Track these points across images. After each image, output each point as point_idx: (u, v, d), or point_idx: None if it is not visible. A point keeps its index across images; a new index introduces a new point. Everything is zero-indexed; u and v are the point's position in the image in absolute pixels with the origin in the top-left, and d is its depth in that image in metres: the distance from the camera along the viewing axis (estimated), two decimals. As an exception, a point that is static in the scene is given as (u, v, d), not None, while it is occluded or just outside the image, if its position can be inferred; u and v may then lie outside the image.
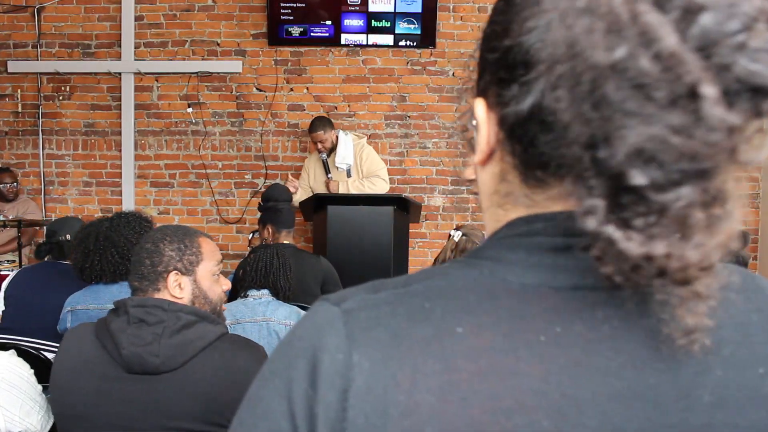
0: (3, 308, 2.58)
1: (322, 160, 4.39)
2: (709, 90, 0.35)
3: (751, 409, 0.42)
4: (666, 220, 0.37)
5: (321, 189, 4.39)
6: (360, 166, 4.44)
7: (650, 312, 0.41)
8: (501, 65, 0.45)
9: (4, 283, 2.63)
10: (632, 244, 0.38)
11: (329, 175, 4.36)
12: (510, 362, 0.41)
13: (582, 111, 0.37)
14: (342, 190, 4.32)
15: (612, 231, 0.38)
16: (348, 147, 4.41)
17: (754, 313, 0.45)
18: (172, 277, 1.54)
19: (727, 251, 0.38)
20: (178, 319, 1.46)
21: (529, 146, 0.44)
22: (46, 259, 2.83)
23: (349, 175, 4.38)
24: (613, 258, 0.39)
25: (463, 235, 2.38)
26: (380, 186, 4.40)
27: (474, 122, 0.50)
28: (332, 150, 4.42)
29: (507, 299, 0.44)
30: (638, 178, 0.36)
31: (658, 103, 0.35)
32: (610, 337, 0.42)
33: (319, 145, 4.37)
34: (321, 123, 4.41)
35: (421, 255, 4.85)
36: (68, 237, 2.74)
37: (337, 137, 4.42)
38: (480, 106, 0.49)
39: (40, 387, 1.51)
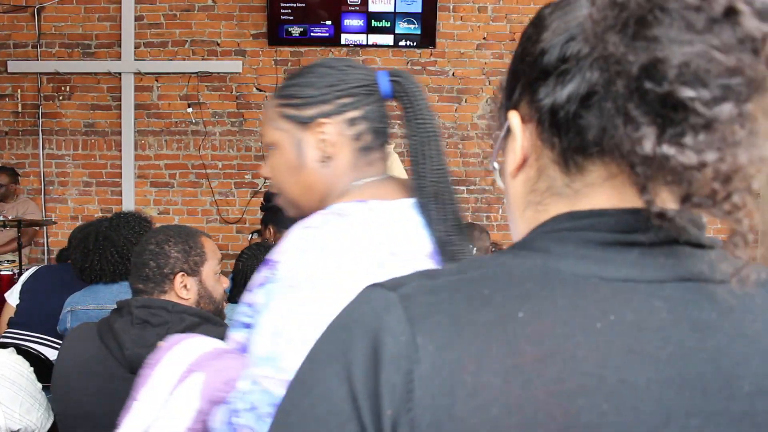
0: (18, 302, 2.57)
1: None
2: (744, 7, 0.40)
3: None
4: (712, 133, 0.41)
5: None
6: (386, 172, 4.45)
7: (695, 303, 0.45)
8: (535, 68, 0.51)
9: (23, 278, 2.62)
10: (686, 157, 0.41)
11: None
12: (570, 347, 0.43)
13: (628, 49, 0.42)
14: None
15: (666, 149, 0.41)
16: None
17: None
18: (179, 279, 1.55)
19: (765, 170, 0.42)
20: (182, 321, 1.46)
21: (569, 131, 0.48)
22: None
23: None
24: (670, 181, 0.43)
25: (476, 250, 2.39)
26: None
27: (502, 134, 0.56)
28: None
29: (561, 288, 0.46)
30: (687, 92, 0.40)
31: (698, 27, 0.40)
32: (660, 327, 0.44)
33: None
34: None
35: (421, 255, 4.85)
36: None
37: None
38: (515, 117, 0.53)
39: (39, 385, 1.51)
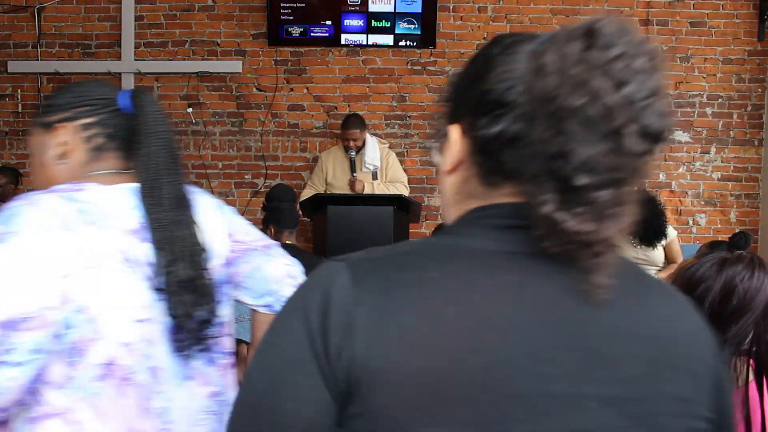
0: None
1: (350, 158, 4.39)
2: (628, 130, 0.56)
3: (633, 343, 0.61)
4: (593, 209, 0.57)
5: (342, 186, 4.40)
6: (385, 170, 4.47)
7: (568, 273, 0.60)
8: (477, 102, 0.65)
9: None
10: (572, 224, 0.57)
11: (355, 174, 4.36)
12: (468, 297, 0.60)
13: (548, 136, 0.57)
14: (368, 191, 4.33)
15: (560, 215, 0.57)
16: (376, 150, 4.44)
17: (633, 281, 0.66)
18: None
19: (624, 234, 0.60)
20: None
21: (492, 159, 0.65)
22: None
23: (375, 177, 4.39)
24: (554, 234, 0.58)
25: None
26: (403, 193, 4.42)
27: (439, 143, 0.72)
28: (358, 151, 4.43)
29: (469, 257, 0.63)
30: (582, 180, 0.57)
31: (598, 135, 0.56)
32: (543, 285, 0.61)
33: (351, 143, 4.37)
34: (358, 121, 4.46)
35: (421, 255, 4.85)
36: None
37: (364, 139, 4.44)
38: (455, 130, 0.68)
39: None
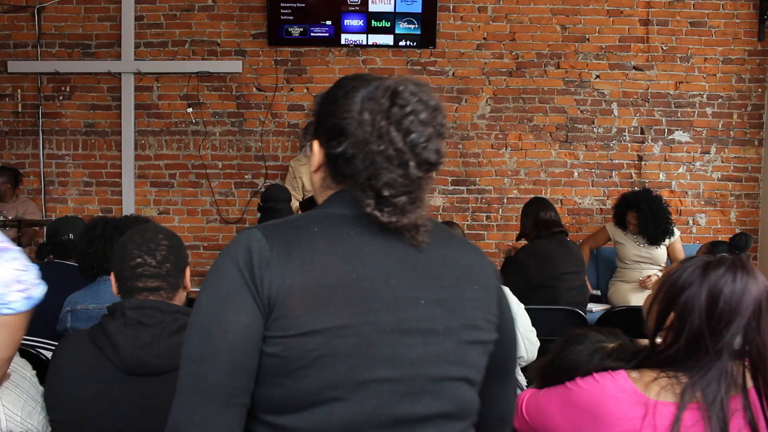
0: None
1: None
2: (411, 163, 0.90)
3: (445, 267, 0.98)
4: (396, 209, 0.92)
5: None
6: None
7: (401, 234, 0.95)
8: (328, 129, 1.00)
9: None
10: (384, 217, 0.92)
11: None
12: (343, 241, 0.94)
13: (365, 165, 0.91)
14: None
15: (377, 213, 0.92)
16: None
17: (442, 236, 1.02)
18: (188, 272, 1.59)
19: (422, 220, 0.94)
20: (175, 320, 1.46)
21: (337, 168, 1.00)
22: (46, 260, 2.81)
23: None
24: (376, 221, 0.93)
25: None
26: None
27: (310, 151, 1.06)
28: None
29: (336, 218, 0.97)
30: (386, 192, 0.91)
31: (394, 166, 0.90)
32: (385, 234, 0.95)
33: None
34: None
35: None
36: (71, 236, 2.70)
37: None
38: (316, 144, 1.03)
39: (41, 388, 1.51)
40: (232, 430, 0.88)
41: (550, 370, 1.41)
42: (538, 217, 3.53)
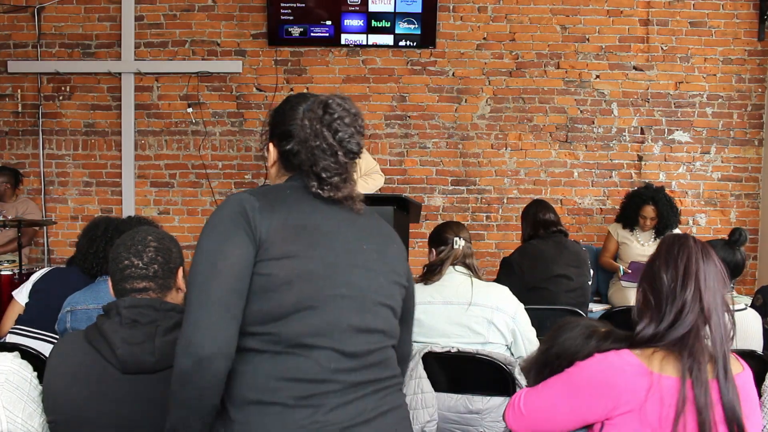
0: (27, 300, 2.57)
1: None
2: (340, 153, 1.27)
3: (375, 232, 1.36)
4: (332, 186, 1.28)
5: None
6: (359, 164, 4.45)
7: (341, 204, 1.31)
8: (280, 134, 1.37)
9: (34, 276, 2.63)
10: (324, 193, 1.28)
11: None
12: (306, 203, 1.29)
13: (307, 156, 1.28)
14: None
15: (320, 191, 1.28)
16: None
17: (372, 214, 1.39)
18: (181, 273, 1.60)
19: (355, 193, 1.32)
20: (170, 318, 1.47)
21: (287, 160, 1.36)
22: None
23: None
24: (320, 197, 1.30)
25: (465, 242, 2.39)
26: (379, 181, 4.45)
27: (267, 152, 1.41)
28: None
29: (296, 188, 1.30)
30: (324, 174, 1.27)
31: (327, 155, 1.27)
32: (335, 205, 1.30)
33: None
34: None
35: (421, 255, 4.85)
36: None
37: None
38: (271, 145, 1.39)
39: (41, 388, 1.51)
40: (230, 335, 1.15)
41: (548, 359, 1.45)
42: (536, 218, 3.53)
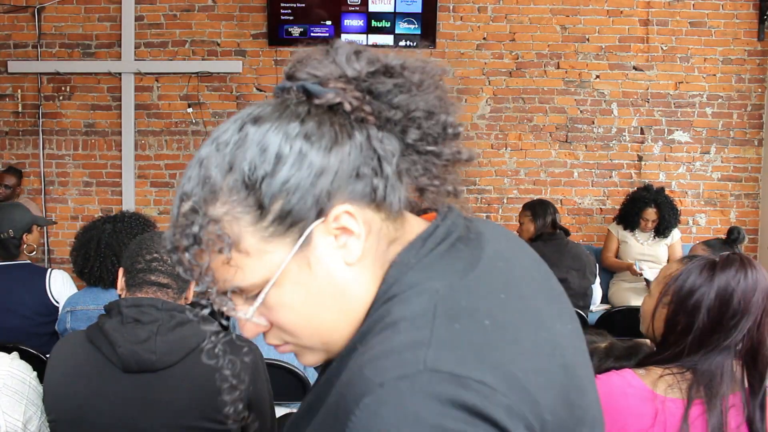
0: None
1: None
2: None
3: None
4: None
5: None
6: None
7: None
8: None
9: None
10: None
11: None
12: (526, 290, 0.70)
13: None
14: None
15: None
16: None
17: None
18: (193, 286, 1.58)
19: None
20: (172, 318, 1.47)
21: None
22: None
23: None
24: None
25: None
26: None
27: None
28: None
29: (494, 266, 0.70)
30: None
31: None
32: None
33: None
34: None
35: (421, 255, 4.85)
36: (11, 233, 2.57)
37: None
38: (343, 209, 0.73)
39: (41, 390, 1.51)
40: None
41: None
42: (554, 218, 3.57)
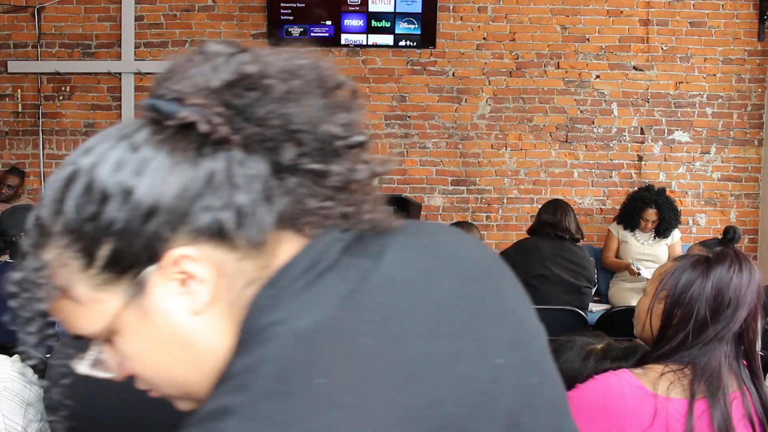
0: None
1: None
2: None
3: None
4: None
5: None
6: None
7: None
8: None
9: None
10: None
11: None
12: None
13: None
14: None
15: None
16: None
17: None
18: None
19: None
20: None
21: None
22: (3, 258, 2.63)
23: None
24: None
25: None
26: None
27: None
28: None
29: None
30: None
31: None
32: None
33: None
34: None
35: (421, 255, 4.84)
36: (23, 236, 2.56)
37: None
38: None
39: (41, 391, 1.51)
40: None
41: None
42: (541, 218, 3.56)
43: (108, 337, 0.55)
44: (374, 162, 0.58)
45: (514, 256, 3.40)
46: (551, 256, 3.36)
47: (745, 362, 1.24)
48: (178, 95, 0.52)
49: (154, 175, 0.50)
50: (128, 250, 0.50)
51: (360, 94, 0.59)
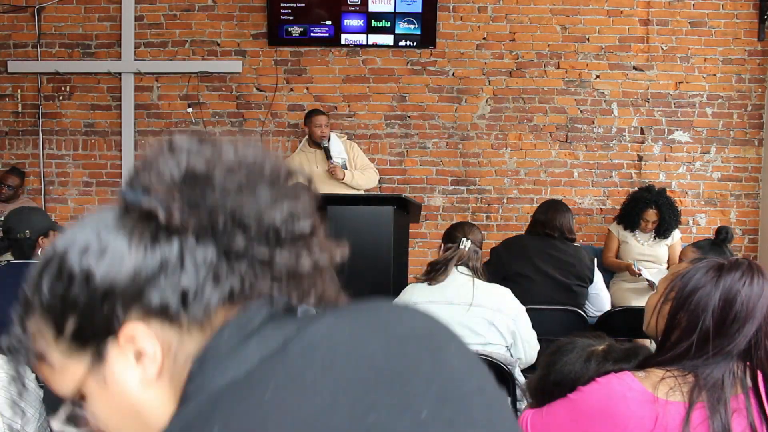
0: None
1: (324, 147, 4.35)
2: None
3: None
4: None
5: (316, 181, 4.38)
6: (353, 160, 4.48)
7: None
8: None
9: None
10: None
11: (333, 161, 4.33)
12: None
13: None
14: (347, 179, 4.34)
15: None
16: (339, 143, 4.46)
17: None
18: None
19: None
20: None
21: None
22: (5, 261, 2.64)
23: (345, 168, 4.41)
24: None
25: (472, 244, 2.39)
26: (374, 177, 4.55)
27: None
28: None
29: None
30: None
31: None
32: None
33: (322, 130, 4.35)
34: (322, 110, 4.56)
35: (421, 255, 4.85)
36: (28, 234, 2.59)
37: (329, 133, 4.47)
38: None
39: (41, 393, 1.51)
40: None
41: (547, 386, 1.36)
42: (534, 217, 3.56)
43: (78, 398, 0.61)
44: (324, 249, 0.62)
45: (500, 252, 3.42)
46: (538, 253, 3.35)
47: (749, 375, 1.21)
48: (146, 185, 0.58)
49: (111, 259, 0.56)
50: (89, 324, 0.57)
51: (314, 183, 0.65)
